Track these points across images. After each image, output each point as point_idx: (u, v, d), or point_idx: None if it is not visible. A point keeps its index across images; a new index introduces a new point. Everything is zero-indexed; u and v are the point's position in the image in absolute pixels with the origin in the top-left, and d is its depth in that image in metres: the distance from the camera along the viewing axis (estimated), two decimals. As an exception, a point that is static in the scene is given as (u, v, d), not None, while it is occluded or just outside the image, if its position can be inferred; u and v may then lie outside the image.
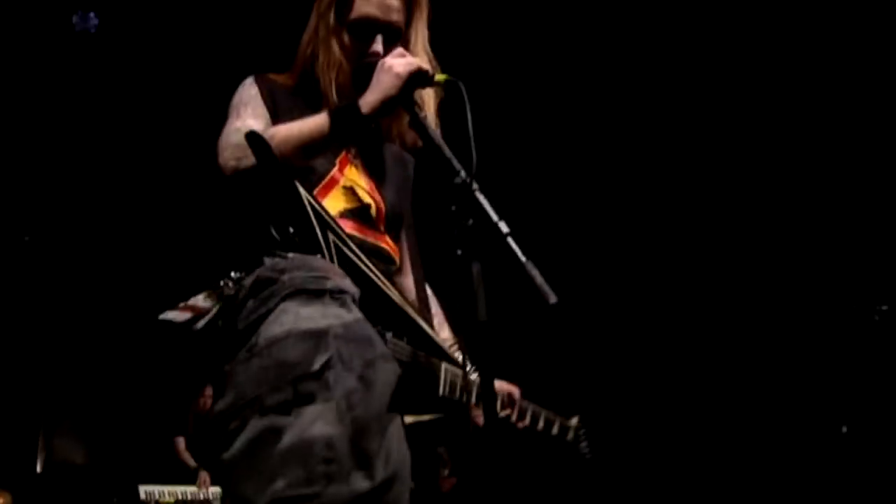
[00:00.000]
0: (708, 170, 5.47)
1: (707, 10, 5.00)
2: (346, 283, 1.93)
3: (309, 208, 2.05)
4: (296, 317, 1.85)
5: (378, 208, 2.37)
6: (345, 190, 2.31)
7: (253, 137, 2.06)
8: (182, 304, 1.98)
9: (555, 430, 2.64)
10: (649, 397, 5.62)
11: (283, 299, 1.87)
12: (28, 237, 4.27)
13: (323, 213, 2.09)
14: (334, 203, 2.27)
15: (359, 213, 2.32)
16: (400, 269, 2.44)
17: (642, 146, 5.45)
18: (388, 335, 2.08)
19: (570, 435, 2.69)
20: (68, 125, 4.39)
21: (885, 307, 5.10)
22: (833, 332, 5.36)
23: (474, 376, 2.22)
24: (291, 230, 2.02)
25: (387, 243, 2.39)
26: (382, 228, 2.40)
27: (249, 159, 2.08)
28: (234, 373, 1.88)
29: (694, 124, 5.39)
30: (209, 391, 6.24)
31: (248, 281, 1.97)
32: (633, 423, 5.54)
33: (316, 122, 2.13)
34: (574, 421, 2.71)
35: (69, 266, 4.67)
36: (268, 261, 1.99)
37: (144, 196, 4.59)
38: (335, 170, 2.30)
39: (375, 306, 2.05)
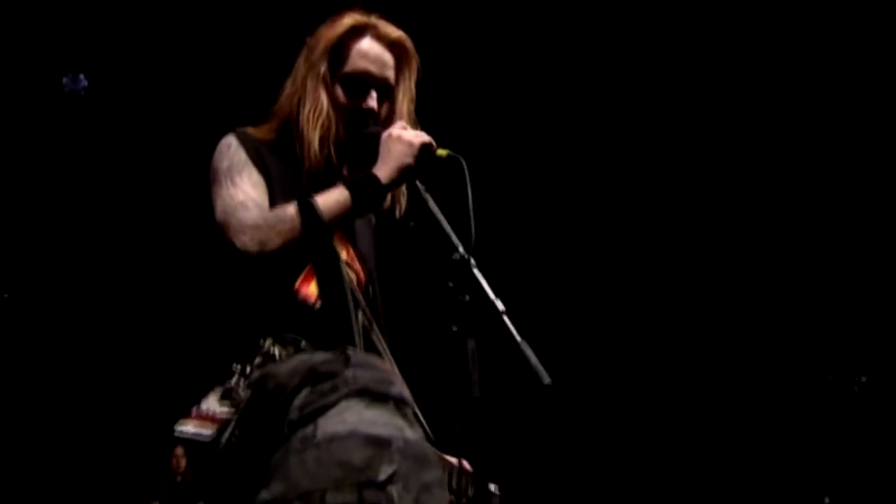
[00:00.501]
0: (685, 257, 5.49)
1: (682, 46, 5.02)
2: (407, 393, 1.87)
3: (347, 286, 1.99)
4: (360, 417, 1.77)
5: (359, 279, 2.32)
6: None
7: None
8: (195, 411, 1.89)
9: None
10: (633, 480, 5.57)
11: (347, 396, 1.80)
12: (7, 294, 4.18)
13: (357, 293, 2.02)
14: None
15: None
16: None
17: (634, 225, 5.47)
18: None
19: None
20: (52, 182, 4.34)
21: (863, 379, 5.10)
22: (813, 404, 5.34)
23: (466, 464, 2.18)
24: (323, 305, 1.95)
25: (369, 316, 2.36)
26: (363, 298, 2.35)
27: (275, 241, 1.99)
28: (284, 462, 1.78)
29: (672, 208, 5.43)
30: (180, 451, 6.16)
31: (281, 372, 1.87)
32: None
33: (337, 197, 2.07)
34: (494, 488, 2.63)
35: (49, 327, 4.58)
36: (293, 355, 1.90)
37: (133, 258, 4.52)
38: None
39: None
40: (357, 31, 2.32)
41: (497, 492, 2.57)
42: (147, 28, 4.24)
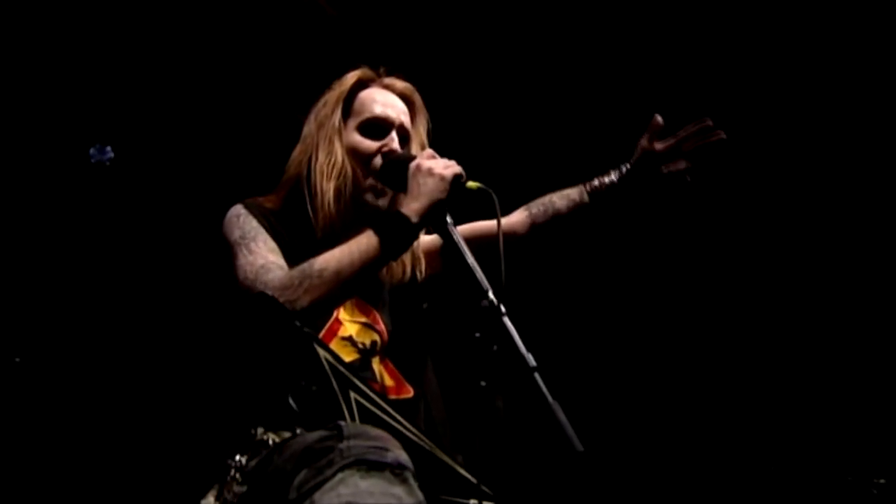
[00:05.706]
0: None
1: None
2: (404, 457, 1.73)
3: (329, 370, 1.82)
4: (355, 489, 1.64)
5: (382, 339, 2.17)
6: (343, 342, 2.12)
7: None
8: None
9: None
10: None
11: (342, 469, 1.67)
12: (19, 358, 4.02)
13: (344, 371, 1.86)
14: None
15: (360, 366, 2.11)
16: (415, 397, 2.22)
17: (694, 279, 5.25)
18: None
19: None
20: (59, 242, 4.24)
21: (882, 481, 4.94)
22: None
23: None
24: (312, 390, 1.82)
25: (394, 379, 2.18)
26: (385, 359, 2.19)
27: (304, 299, 1.90)
28: None
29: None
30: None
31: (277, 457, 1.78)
32: None
33: (364, 244, 1.94)
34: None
35: (61, 392, 4.39)
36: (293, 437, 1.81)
37: (149, 330, 4.36)
38: (333, 318, 2.12)
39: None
40: (366, 84, 2.32)
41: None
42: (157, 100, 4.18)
